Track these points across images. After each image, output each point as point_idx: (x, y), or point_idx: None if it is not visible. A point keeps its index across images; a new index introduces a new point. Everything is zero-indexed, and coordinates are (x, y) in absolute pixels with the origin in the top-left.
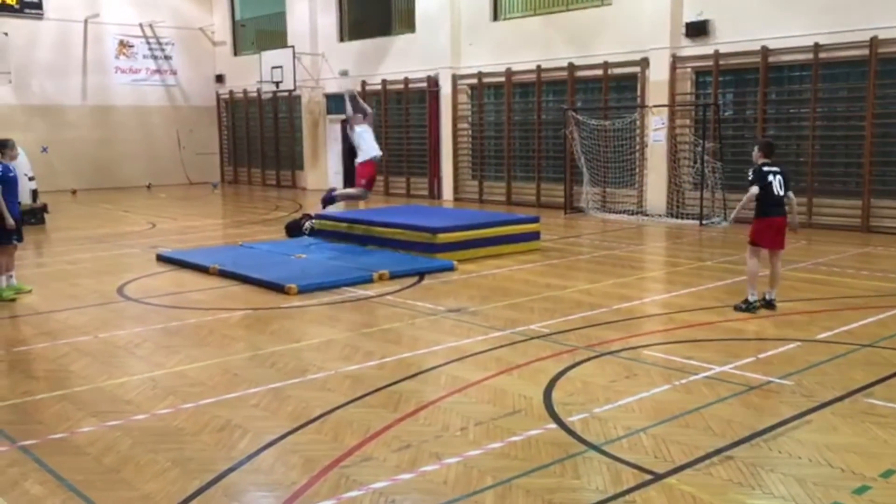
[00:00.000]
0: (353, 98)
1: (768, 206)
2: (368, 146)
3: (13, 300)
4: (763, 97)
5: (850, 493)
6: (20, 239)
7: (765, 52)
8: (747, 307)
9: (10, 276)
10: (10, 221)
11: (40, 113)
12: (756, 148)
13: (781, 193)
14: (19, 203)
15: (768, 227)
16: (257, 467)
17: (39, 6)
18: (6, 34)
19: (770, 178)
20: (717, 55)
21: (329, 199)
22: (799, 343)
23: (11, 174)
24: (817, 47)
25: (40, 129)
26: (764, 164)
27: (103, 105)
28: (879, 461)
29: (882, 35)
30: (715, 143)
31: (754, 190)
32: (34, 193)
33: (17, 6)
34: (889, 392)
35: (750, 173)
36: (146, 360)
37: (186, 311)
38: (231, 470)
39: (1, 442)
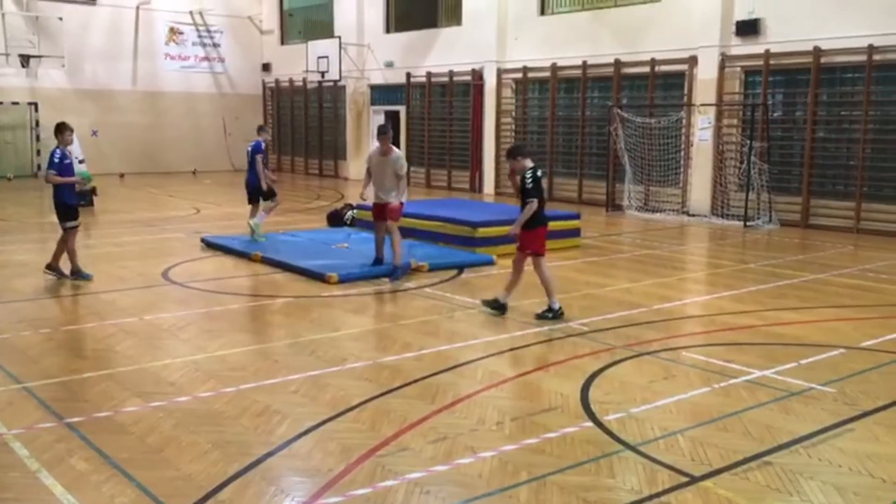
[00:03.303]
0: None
1: (542, 212)
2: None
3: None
4: (814, 98)
5: None
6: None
7: (817, 52)
8: (554, 315)
9: None
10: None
11: (91, 97)
12: (515, 155)
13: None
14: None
15: (544, 233)
16: (295, 453)
17: None
18: (61, 19)
19: (542, 183)
20: (767, 55)
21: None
22: (843, 350)
23: (67, 161)
24: (871, 49)
25: (91, 112)
26: (534, 169)
27: (152, 90)
28: None
29: None
30: (762, 143)
31: (536, 204)
32: None
33: None
34: None
35: (528, 180)
36: (189, 343)
37: (229, 297)
38: (270, 454)
39: (48, 418)
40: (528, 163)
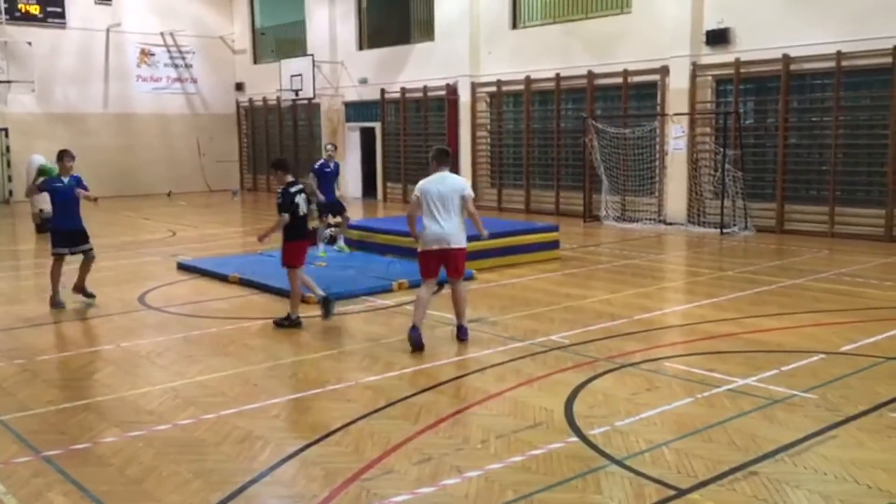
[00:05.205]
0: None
1: (300, 227)
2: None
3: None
4: (785, 105)
5: None
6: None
7: (786, 60)
8: (290, 323)
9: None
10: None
11: (63, 121)
12: (275, 168)
13: (305, 212)
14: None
15: (301, 248)
16: (278, 479)
17: (62, 16)
18: (30, 43)
19: (297, 199)
20: (737, 63)
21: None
22: (822, 356)
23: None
24: (840, 55)
25: (63, 136)
26: (290, 185)
27: (125, 113)
28: None
29: None
30: (736, 151)
31: (286, 217)
32: None
33: (40, 16)
34: None
35: (279, 196)
36: (167, 369)
37: (207, 320)
38: (252, 482)
39: (25, 452)
40: (289, 178)
